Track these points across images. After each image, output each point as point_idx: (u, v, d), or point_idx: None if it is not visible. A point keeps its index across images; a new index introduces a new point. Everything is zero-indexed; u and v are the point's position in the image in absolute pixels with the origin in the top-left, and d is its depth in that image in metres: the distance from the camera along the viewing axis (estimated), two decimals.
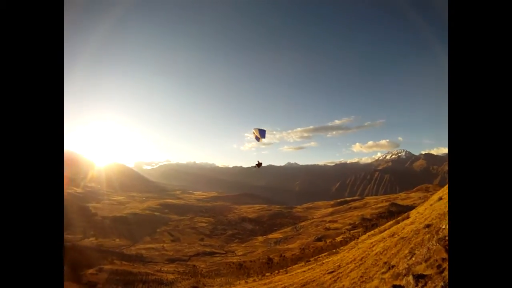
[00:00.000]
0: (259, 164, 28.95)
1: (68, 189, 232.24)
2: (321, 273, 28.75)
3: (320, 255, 51.51)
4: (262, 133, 27.29)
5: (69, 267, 49.83)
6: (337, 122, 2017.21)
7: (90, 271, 55.55)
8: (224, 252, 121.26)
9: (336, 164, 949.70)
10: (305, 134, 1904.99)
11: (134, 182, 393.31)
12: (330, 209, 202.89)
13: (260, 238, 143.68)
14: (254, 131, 27.61)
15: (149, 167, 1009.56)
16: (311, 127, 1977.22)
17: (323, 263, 38.07)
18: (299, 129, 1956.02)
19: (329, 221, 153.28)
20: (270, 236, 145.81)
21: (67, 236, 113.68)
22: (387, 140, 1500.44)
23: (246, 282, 46.09)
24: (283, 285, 31.64)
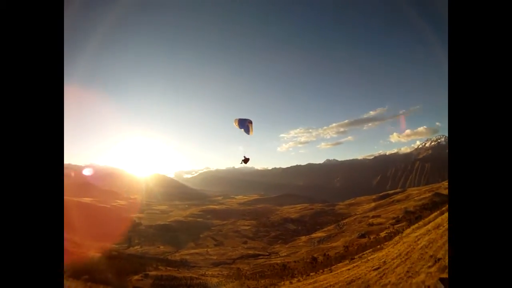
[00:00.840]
0: (245, 160, 26.24)
1: (112, 202, 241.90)
2: (367, 270, 27.93)
3: (364, 252, 50.42)
4: (242, 124, 24.56)
5: (115, 274, 51.14)
6: (371, 113, 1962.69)
7: (136, 277, 56.99)
8: (267, 253, 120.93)
9: (375, 157, 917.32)
10: (341, 129, 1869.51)
11: (175, 191, 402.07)
12: (373, 204, 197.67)
13: (304, 238, 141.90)
14: (234, 123, 24.79)
15: (189, 176, 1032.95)
16: (346, 121, 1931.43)
17: (368, 260, 37.03)
18: (334, 124, 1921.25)
19: (372, 217, 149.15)
20: (313, 235, 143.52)
21: (113, 245, 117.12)
22: (425, 127, 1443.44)
23: (291, 283, 45.44)
24: (328, 284, 30.86)
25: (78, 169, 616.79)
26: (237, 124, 24.55)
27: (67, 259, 56.01)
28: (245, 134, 24.81)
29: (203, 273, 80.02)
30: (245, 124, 24.38)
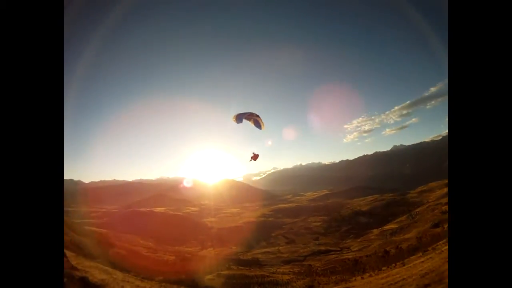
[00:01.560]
0: (254, 157, 24.79)
1: (184, 209, 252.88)
2: (441, 262, 26.60)
3: (438, 243, 47.96)
4: (239, 119, 22.50)
5: (188, 275, 53.16)
6: (432, 89, 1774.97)
7: (208, 277, 58.96)
8: (339, 249, 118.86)
9: (443, 137, 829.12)
10: (404, 112, 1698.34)
11: (245, 193, 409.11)
12: (445, 189, 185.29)
13: (375, 231, 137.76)
14: (232, 119, 22.82)
15: (257, 178, 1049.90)
16: (407, 102, 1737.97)
17: (442, 251, 35.22)
18: (396, 107, 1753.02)
19: (445, 203, 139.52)
20: (385, 227, 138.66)
21: (186, 248, 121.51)
22: None
23: (362, 278, 44.31)
24: (401, 278, 29.72)
25: (150, 183, 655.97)
26: (235, 119, 22.70)
27: (144, 263, 59.07)
28: (260, 131, 23.80)
29: (274, 271, 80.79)
30: (242, 118, 22.56)
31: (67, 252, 19.99)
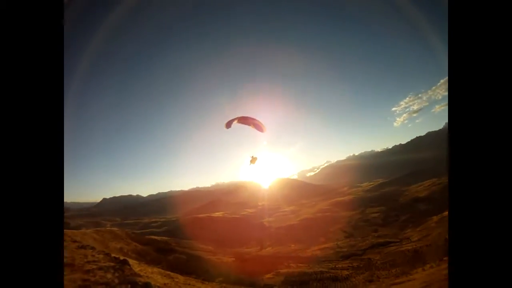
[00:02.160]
0: (253, 159, 23.39)
1: (242, 212, 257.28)
2: None
3: None
4: (229, 124, 21.36)
5: (248, 275, 54.74)
6: None
7: (267, 275, 60.02)
8: (398, 240, 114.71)
9: None
10: None
11: (301, 190, 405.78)
12: None
13: (435, 218, 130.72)
14: (226, 127, 21.68)
15: (312, 173, 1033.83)
16: None
17: None
18: (442, 81, 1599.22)
19: None
20: (445, 213, 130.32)
21: (245, 249, 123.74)
22: None
23: (423, 270, 43.41)
24: None
25: (206, 190, 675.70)
26: (229, 124, 21.63)
27: (204, 266, 61.26)
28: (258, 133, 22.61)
29: (333, 266, 79.98)
30: (232, 123, 21.58)
31: (130, 260, 21.64)
